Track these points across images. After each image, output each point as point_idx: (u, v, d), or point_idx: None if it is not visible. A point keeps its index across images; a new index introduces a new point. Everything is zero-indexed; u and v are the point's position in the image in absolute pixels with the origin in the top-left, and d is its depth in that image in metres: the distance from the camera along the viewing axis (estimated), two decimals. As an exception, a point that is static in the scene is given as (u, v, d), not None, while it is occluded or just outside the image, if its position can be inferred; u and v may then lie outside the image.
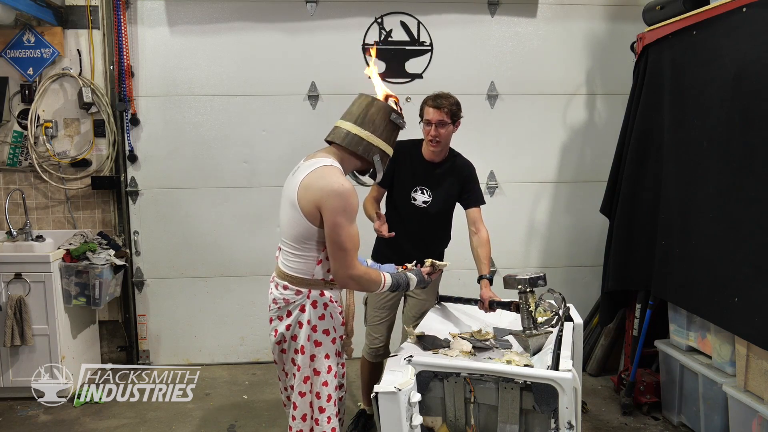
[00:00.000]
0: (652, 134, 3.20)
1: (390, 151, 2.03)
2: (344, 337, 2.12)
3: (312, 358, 2.02)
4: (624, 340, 3.67)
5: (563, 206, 4.16)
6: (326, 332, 2.03)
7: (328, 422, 2.04)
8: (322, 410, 2.03)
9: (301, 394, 2.04)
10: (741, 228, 2.53)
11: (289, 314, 2.02)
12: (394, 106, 2.01)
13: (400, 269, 2.25)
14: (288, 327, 2.02)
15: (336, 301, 2.07)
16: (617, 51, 3.94)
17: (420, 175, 2.75)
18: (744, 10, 2.52)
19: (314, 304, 2.00)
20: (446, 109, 2.60)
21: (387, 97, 2.05)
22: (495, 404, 2.03)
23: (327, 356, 2.03)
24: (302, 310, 2.00)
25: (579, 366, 2.30)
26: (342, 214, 1.85)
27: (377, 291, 2.06)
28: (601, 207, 3.59)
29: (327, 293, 2.02)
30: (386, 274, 2.07)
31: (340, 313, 2.10)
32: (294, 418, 2.06)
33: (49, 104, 3.74)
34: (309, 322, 2.00)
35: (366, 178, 2.13)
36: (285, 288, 2.01)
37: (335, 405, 2.07)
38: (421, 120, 2.69)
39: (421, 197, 2.75)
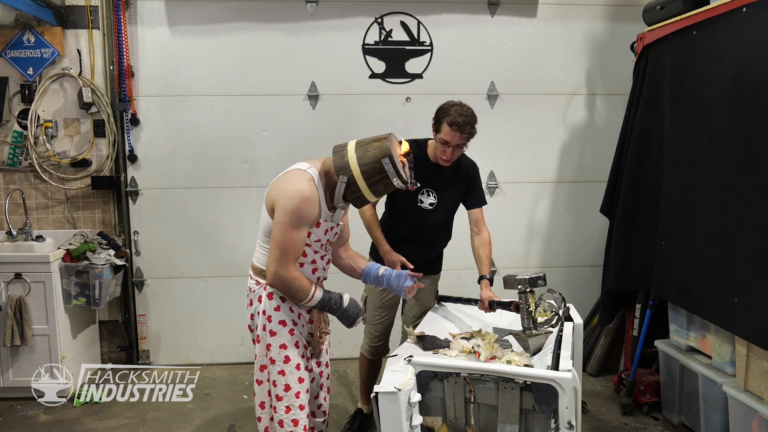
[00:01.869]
0: (652, 134, 3.20)
1: (364, 188, 1.95)
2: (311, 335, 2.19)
3: (268, 347, 2.10)
4: (624, 340, 3.67)
5: (563, 206, 4.16)
6: (282, 323, 2.09)
7: (287, 412, 2.09)
8: (279, 398, 2.09)
9: (258, 382, 2.16)
10: (741, 228, 2.52)
11: (251, 303, 2.14)
12: (396, 160, 1.94)
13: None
14: (252, 317, 2.15)
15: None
16: (617, 51, 3.93)
17: (426, 178, 2.65)
18: (744, 10, 2.52)
19: (270, 296, 2.09)
20: (468, 134, 2.52)
21: (405, 153, 2.02)
22: (495, 404, 2.03)
23: (284, 346, 2.08)
24: (260, 300, 2.10)
25: (579, 366, 2.30)
26: (288, 215, 1.93)
27: (303, 302, 2.05)
28: (601, 207, 3.59)
29: None
30: (320, 290, 2.07)
31: (309, 312, 2.15)
32: (256, 405, 2.17)
33: (49, 104, 3.74)
34: (264, 312, 2.08)
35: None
36: (250, 277, 2.15)
37: (297, 397, 2.09)
38: (436, 130, 2.57)
39: (427, 200, 2.71)
